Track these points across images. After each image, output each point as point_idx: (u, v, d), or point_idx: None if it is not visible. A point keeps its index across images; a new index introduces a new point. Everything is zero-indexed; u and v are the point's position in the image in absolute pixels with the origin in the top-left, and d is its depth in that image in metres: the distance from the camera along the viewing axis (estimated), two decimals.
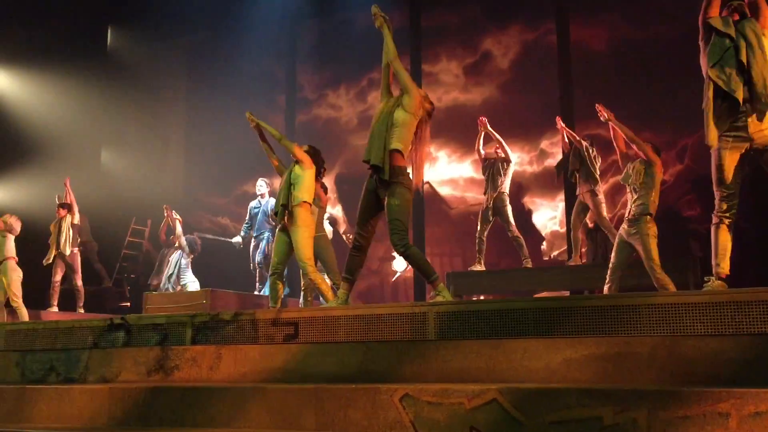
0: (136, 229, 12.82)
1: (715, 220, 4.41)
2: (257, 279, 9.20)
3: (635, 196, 6.25)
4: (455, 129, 11.46)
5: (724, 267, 4.32)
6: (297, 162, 5.86)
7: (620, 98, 9.43)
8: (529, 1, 11.30)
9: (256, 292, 9.06)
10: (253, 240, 9.32)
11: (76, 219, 9.76)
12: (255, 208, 9.30)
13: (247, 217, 9.38)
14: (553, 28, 10.95)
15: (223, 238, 10.47)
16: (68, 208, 9.70)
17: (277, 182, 6.03)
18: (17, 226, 8.81)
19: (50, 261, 9.55)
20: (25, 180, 11.90)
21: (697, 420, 2.67)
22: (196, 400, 3.76)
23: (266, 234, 9.12)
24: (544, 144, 11.09)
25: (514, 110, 10.94)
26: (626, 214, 6.36)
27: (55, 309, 9.57)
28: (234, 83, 13.36)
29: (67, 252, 9.51)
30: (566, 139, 8.34)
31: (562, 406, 2.91)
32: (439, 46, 11.95)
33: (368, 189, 4.75)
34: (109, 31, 14.32)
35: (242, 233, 9.41)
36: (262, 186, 9.29)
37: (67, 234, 9.53)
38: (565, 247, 10.65)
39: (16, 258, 8.65)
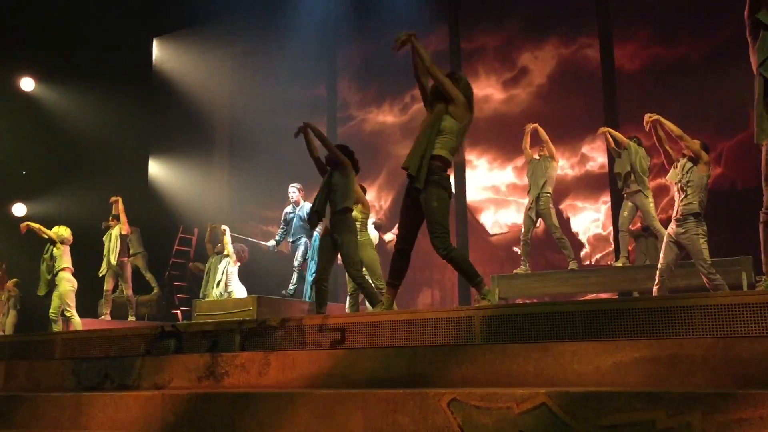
0: (184, 238, 13.06)
1: (763, 218, 4.27)
2: (292, 281, 9.24)
3: (682, 195, 6.14)
4: (497, 138, 11.52)
5: None
6: (336, 167, 5.90)
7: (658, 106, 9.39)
8: (566, 16, 11.24)
9: (283, 291, 9.12)
10: (290, 245, 9.39)
11: (125, 230, 10.00)
12: (290, 213, 9.34)
13: (282, 223, 9.43)
14: (588, 42, 10.98)
15: (257, 241, 10.55)
16: (116, 219, 9.97)
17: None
18: (69, 237, 9.07)
19: (104, 272, 9.83)
20: (77, 193, 12.22)
21: (753, 423, 2.60)
22: (246, 405, 3.81)
23: (303, 239, 9.19)
24: (585, 149, 10.99)
25: (554, 117, 10.92)
26: (674, 214, 6.26)
27: (108, 318, 9.81)
28: (277, 92, 13.54)
29: (114, 261, 9.76)
30: (612, 144, 8.24)
31: (614, 410, 2.86)
32: (478, 64, 12.03)
33: (407, 195, 4.76)
34: (154, 43, 14.65)
35: (277, 237, 9.44)
36: (294, 192, 9.31)
37: (115, 244, 9.80)
38: (608, 250, 10.55)
39: (72, 269, 8.90)
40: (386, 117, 13.16)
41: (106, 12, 12.80)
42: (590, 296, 8.43)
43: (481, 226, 11.58)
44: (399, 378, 3.92)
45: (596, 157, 10.87)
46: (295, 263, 9.23)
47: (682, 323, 3.42)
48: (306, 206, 9.08)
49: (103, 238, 10.03)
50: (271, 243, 9.52)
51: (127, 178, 13.22)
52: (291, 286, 9.20)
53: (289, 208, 9.39)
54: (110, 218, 10.09)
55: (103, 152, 12.60)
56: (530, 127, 8.67)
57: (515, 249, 8.56)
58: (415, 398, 3.31)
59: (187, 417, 3.95)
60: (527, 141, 8.70)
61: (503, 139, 11.50)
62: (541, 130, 8.54)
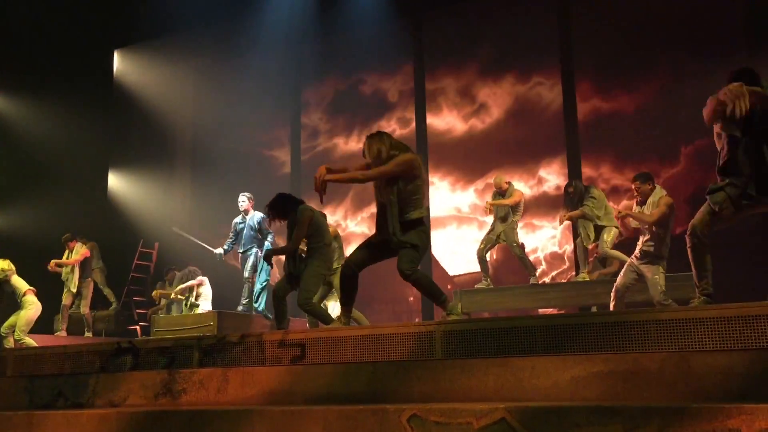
0: (144, 252, 12.86)
1: (689, 242, 4.49)
2: (243, 294, 9.11)
3: (644, 236, 6.38)
4: (462, 161, 11.89)
5: None
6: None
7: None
8: (521, 56, 11.60)
9: (239, 308, 8.98)
10: (240, 256, 9.22)
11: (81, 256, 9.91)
12: (239, 223, 9.18)
13: (231, 233, 9.27)
14: (540, 80, 11.47)
15: (205, 245, 10.42)
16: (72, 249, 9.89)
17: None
18: (10, 268, 8.77)
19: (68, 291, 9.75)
20: (36, 205, 11.96)
21: None
22: (204, 423, 3.74)
23: (254, 250, 9.03)
24: (542, 172, 11.34)
25: (512, 143, 11.39)
26: (638, 247, 6.44)
27: (64, 333, 9.61)
28: (240, 105, 13.48)
29: (74, 289, 9.73)
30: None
31: (572, 425, 2.88)
32: (441, 99, 12.36)
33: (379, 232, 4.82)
34: (115, 55, 14.47)
35: (225, 247, 9.29)
36: (243, 201, 9.15)
37: (75, 274, 9.75)
38: (564, 267, 10.78)
39: (34, 289, 8.65)
40: (351, 137, 13.21)
41: (67, 23, 12.60)
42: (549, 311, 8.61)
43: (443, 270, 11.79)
44: (359, 393, 3.90)
45: (552, 179, 11.15)
46: (245, 274, 9.08)
47: (638, 338, 3.46)
48: (256, 215, 8.96)
49: (64, 257, 9.92)
50: (219, 251, 9.36)
51: (87, 190, 12.99)
52: (243, 300, 9.03)
53: (238, 218, 9.23)
54: (66, 240, 9.98)
55: (62, 165, 12.37)
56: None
57: (477, 286, 8.77)
58: (375, 414, 3.29)
59: None
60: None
61: (468, 162, 11.85)
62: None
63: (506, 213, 8.76)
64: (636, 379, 3.37)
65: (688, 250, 4.46)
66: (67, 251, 9.97)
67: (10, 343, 8.43)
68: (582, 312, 7.62)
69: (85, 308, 9.92)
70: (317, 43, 13.32)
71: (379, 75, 12.90)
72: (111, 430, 3.95)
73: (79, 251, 9.83)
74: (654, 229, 6.32)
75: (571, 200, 8.56)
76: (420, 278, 4.71)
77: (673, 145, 10.11)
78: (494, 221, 8.87)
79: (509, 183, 8.94)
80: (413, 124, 12.25)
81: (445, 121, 12.16)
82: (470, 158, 11.79)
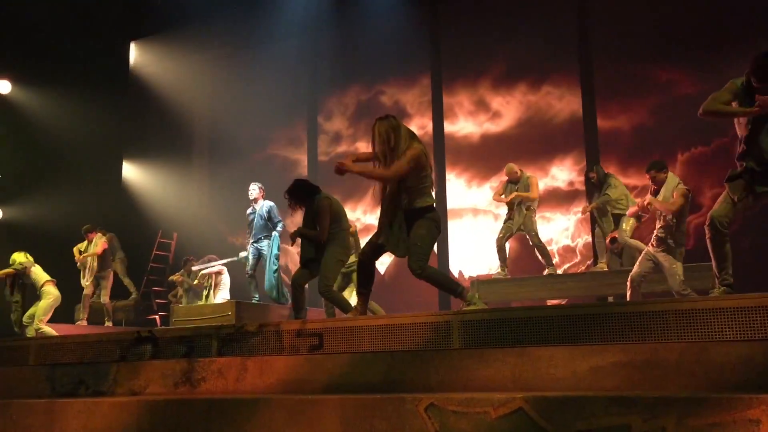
0: (163, 242, 12.97)
1: (708, 233, 4.44)
2: (254, 288, 8.99)
3: (660, 222, 6.33)
4: (478, 159, 12.00)
5: None
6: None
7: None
8: (534, 67, 11.68)
9: (254, 301, 8.88)
10: (250, 247, 8.95)
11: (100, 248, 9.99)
12: (250, 214, 8.98)
13: (247, 227, 9.06)
14: (549, 90, 11.57)
15: (229, 260, 10.41)
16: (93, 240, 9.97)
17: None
18: (28, 260, 8.98)
19: (87, 281, 9.83)
20: (53, 196, 12.08)
21: (726, 427, 2.63)
22: (223, 412, 3.78)
23: (265, 240, 8.80)
24: (553, 170, 11.40)
25: (525, 144, 11.49)
26: (654, 234, 6.38)
27: (85, 323, 9.72)
28: (257, 95, 13.51)
29: (86, 282, 9.82)
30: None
31: (589, 414, 2.88)
32: (457, 108, 12.41)
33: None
34: (131, 46, 14.54)
35: (249, 247, 9.03)
36: (254, 190, 8.95)
37: (90, 265, 9.85)
38: (576, 260, 10.78)
39: (54, 281, 8.83)
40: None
41: (84, 15, 12.68)
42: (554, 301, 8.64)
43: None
44: (377, 383, 3.92)
45: (564, 175, 11.31)
46: (250, 265, 8.87)
47: (657, 328, 3.45)
48: (266, 204, 8.82)
49: (80, 248, 10.00)
50: (243, 254, 9.26)
51: (104, 181, 13.11)
52: (273, 294, 8.94)
53: (249, 209, 9.04)
54: (87, 233, 10.04)
55: (79, 156, 12.48)
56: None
57: (494, 276, 8.81)
58: (392, 403, 3.30)
59: (163, 423, 3.90)
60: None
61: (483, 161, 11.98)
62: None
63: (522, 200, 8.71)
64: (654, 370, 3.36)
65: (708, 241, 4.42)
66: (86, 242, 10.06)
67: (31, 332, 8.55)
68: (600, 302, 7.58)
69: (105, 298, 10.02)
70: (333, 35, 13.32)
71: (396, 73, 12.90)
72: (132, 418, 4.00)
73: (98, 243, 9.92)
74: (668, 216, 6.26)
75: (593, 186, 8.53)
76: (432, 275, 4.68)
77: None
78: (511, 210, 8.80)
79: (521, 171, 8.86)
80: (430, 127, 12.26)
81: (460, 126, 12.25)
82: (485, 157, 11.86)
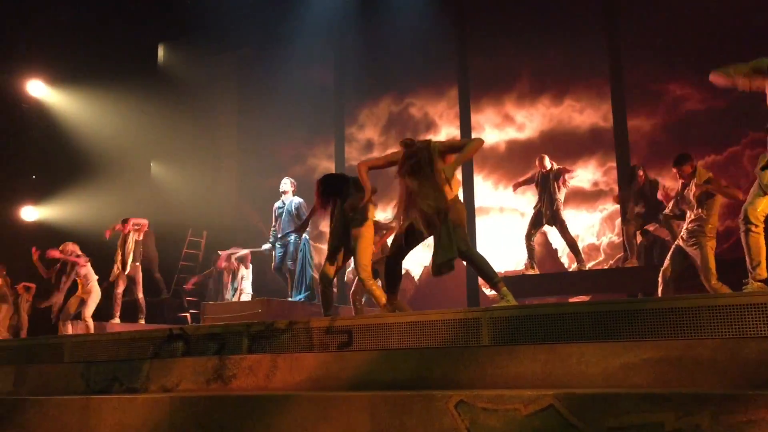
0: (193, 241, 13.10)
1: (742, 227, 4.36)
2: (289, 286, 8.95)
3: (692, 213, 6.21)
4: (506, 162, 12.16)
5: None
6: None
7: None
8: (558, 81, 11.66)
9: (290, 299, 8.86)
10: (278, 243, 8.92)
11: (140, 236, 10.06)
12: (279, 208, 8.93)
13: (273, 222, 9.02)
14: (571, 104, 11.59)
15: (252, 250, 10.47)
16: (134, 225, 10.05)
17: None
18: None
19: (116, 276, 9.89)
20: (85, 196, 12.28)
21: (762, 424, 2.58)
22: (254, 408, 3.81)
23: (292, 237, 8.75)
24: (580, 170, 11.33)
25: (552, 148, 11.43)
26: (685, 226, 6.29)
27: (117, 320, 9.84)
28: (284, 94, 13.57)
29: (128, 269, 9.85)
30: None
31: (622, 412, 2.85)
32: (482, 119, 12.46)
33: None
34: (160, 48, 14.71)
35: (271, 239, 9.06)
36: (286, 184, 8.92)
37: (131, 248, 9.88)
38: (600, 259, 10.72)
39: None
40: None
41: (113, 17, 12.86)
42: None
43: None
44: (406, 380, 3.92)
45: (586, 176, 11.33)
46: (288, 262, 8.82)
47: (690, 324, 3.40)
48: (295, 200, 8.79)
49: (118, 242, 10.08)
50: (266, 246, 9.24)
51: (135, 181, 13.28)
52: (296, 293, 8.82)
53: (278, 203, 8.99)
54: (123, 221, 10.11)
55: (110, 156, 12.65)
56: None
57: (523, 273, 8.79)
58: (422, 400, 3.30)
59: (195, 420, 3.95)
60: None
61: (509, 164, 12.14)
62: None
63: (552, 191, 8.60)
64: (688, 366, 3.31)
65: (741, 235, 4.36)
66: (122, 234, 10.10)
67: (68, 329, 8.71)
68: (632, 298, 7.50)
69: (139, 293, 10.10)
70: (359, 37, 13.33)
71: (424, 81, 12.92)
72: (164, 415, 4.05)
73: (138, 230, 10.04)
74: (699, 210, 6.16)
75: (635, 186, 8.37)
76: (476, 256, 4.74)
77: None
78: (539, 203, 8.68)
79: (553, 164, 8.83)
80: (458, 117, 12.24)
81: (486, 136, 12.26)
82: (512, 161, 12.01)
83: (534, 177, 8.94)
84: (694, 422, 2.69)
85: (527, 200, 10.71)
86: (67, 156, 12.48)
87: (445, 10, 12.37)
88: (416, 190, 4.68)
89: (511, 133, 12.20)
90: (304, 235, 8.66)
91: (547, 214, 8.58)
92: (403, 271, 5.22)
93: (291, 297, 8.94)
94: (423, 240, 4.92)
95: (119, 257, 9.91)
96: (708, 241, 6.18)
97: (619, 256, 10.06)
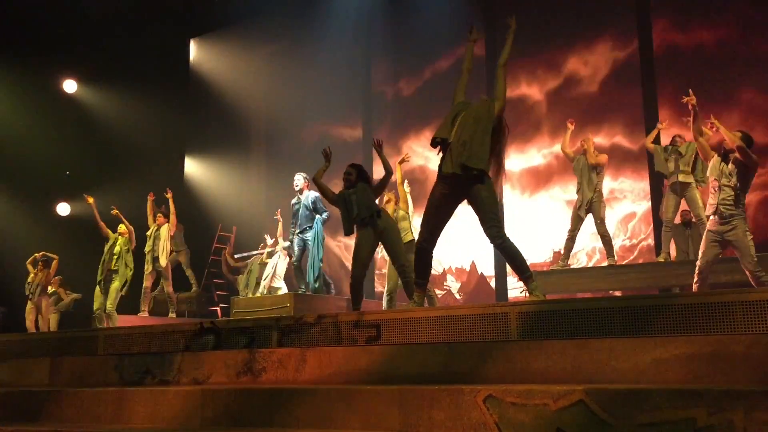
0: (222, 236, 13.23)
1: None
2: (296, 277, 8.93)
3: (721, 193, 5.97)
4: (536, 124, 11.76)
5: None
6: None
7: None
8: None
9: (300, 291, 8.83)
10: (296, 238, 8.90)
11: (173, 230, 10.17)
12: (295, 204, 8.97)
13: (292, 218, 9.05)
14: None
15: (271, 249, 10.51)
16: (165, 216, 10.15)
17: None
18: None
19: (149, 270, 10.03)
20: (117, 192, 12.44)
21: None
22: (283, 401, 3.85)
23: (311, 232, 8.74)
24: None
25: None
26: (712, 210, 6.07)
27: (146, 314, 9.97)
28: (312, 90, 13.64)
29: (163, 264, 9.95)
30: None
31: (653, 407, 2.82)
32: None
33: (444, 194, 4.73)
34: (191, 44, 14.85)
35: (291, 237, 9.06)
36: (299, 181, 8.97)
37: (164, 244, 9.98)
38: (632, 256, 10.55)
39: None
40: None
41: (145, 14, 13.01)
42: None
43: None
44: (435, 374, 3.92)
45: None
46: (301, 258, 8.82)
47: (723, 319, 3.35)
48: (311, 195, 8.79)
49: (147, 234, 10.19)
50: (286, 244, 9.32)
51: (166, 176, 13.43)
52: (314, 284, 8.75)
53: (294, 199, 9.05)
54: (158, 215, 10.23)
55: (141, 152, 12.83)
56: (570, 128, 8.59)
57: (552, 267, 8.63)
58: (451, 394, 3.31)
59: (226, 412, 4.00)
60: (567, 140, 8.61)
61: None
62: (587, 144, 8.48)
63: (591, 178, 8.33)
64: (721, 362, 3.27)
65: None
66: (154, 226, 10.20)
67: (102, 322, 8.86)
68: (663, 293, 7.40)
69: (168, 287, 10.23)
70: (387, 29, 13.34)
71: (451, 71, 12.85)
72: (196, 407, 4.11)
73: (172, 221, 10.18)
74: (733, 182, 5.88)
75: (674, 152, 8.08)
76: (511, 246, 4.60)
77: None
78: (579, 192, 8.50)
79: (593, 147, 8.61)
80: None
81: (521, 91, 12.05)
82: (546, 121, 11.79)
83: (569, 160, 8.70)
84: (727, 418, 2.66)
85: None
86: (100, 152, 12.68)
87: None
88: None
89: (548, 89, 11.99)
90: (318, 217, 8.69)
91: (588, 196, 8.30)
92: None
93: (301, 287, 8.95)
94: (450, 218, 4.82)
95: (150, 252, 10.03)
96: (745, 224, 5.88)
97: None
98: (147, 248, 10.06)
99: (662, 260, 8.05)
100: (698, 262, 6.24)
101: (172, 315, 10.28)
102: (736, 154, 5.88)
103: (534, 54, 11.87)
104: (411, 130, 13.18)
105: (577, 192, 8.43)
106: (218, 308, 12.06)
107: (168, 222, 10.11)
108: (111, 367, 5.36)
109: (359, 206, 6.00)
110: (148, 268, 10.01)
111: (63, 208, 12.94)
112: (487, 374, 3.79)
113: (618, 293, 8.49)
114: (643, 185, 10.75)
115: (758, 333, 3.26)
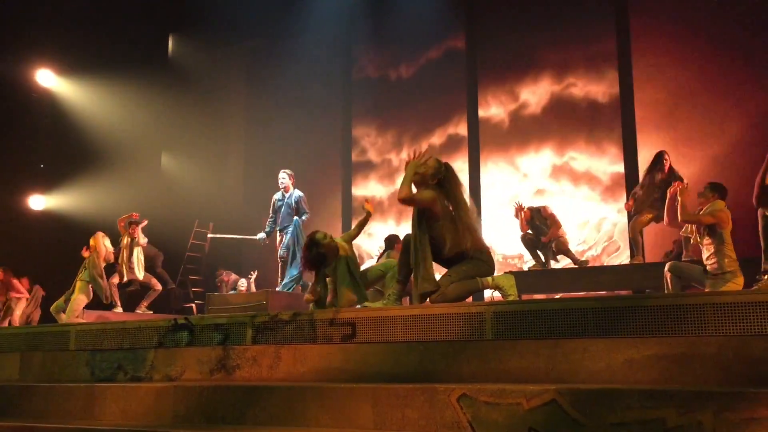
0: (199, 232, 13.15)
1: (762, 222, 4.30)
2: (279, 274, 9.03)
3: (705, 252, 6.02)
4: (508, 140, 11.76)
5: None
6: None
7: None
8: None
9: (278, 288, 8.89)
10: (277, 234, 9.06)
11: (144, 240, 10.05)
12: (278, 201, 9.02)
13: (270, 211, 9.13)
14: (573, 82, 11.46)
15: (245, 237, 10.51)
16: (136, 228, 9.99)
17: None
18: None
19: (124, 281, 9.87)
20: (93, 186, 12.31)
21: (764, 422, 2.58)
22: (257, 398, 3.83)
23: (290, 228, 8.83)
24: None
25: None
26: (704, 261, 6.10)
27: (120, 309, 9.84)
28: (291, 86, 13.59)
29: (141, 277, 9.87)
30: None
31: (624, 408, 2.85)
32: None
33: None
34: (170, 39, 14.72)
35: (267, 229, 9.17)
36: (284, 179, 8.98)
37: (138, 258, 9.87)
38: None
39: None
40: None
41: (123, 7, 12.87)
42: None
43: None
44: (409, 373, 3.93)
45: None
46: (280, 252, 8.93)
47: (695, 321, 3.39)
48: (295, 193, 8.84)
49: (120, 245, 10.02)
50: (261, 235, 9.29)
51: (142, 171, 13.31)
52: (282, 282, 8.81)
53: (278, 195, 9.07)
54: (131, 225, 10.05)
55: (118, 146, 12.68)
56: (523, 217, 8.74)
57: (528, 268, 8.74)
58: (424, 393, 3.31)
59: (199, 409, 3.98)
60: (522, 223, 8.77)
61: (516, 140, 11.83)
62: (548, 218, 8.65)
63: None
64: (691, 363, 3.31)
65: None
66: (127, 235, 10.06)
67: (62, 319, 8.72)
68: (636, 294, 7.48)
69: (114, 279, 10.02)
70: (367, 25, 13.34)
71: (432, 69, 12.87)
72: (168, 403, 4.08)
73: (143, 236, 10.04)
74: (710, 241, 5.96)
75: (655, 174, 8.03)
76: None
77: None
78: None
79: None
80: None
81: (491, 114, 12.13)
82: (518, 137, 11.84)
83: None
84: (697, 419, 2.70)
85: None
86: (75, 146, 12.51)
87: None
88: None
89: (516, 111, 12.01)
90: (296, 219, 8.70)
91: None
92: None
93: (280, 284, 8.95)
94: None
95: (123, 264, 9.85)
96: (732, 278, 5.82)
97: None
98: (120, 260, 9.90)
99: (638, 262, 8.15)
100: (669, 263, 6.37)
101: (140, 310, 10.14)
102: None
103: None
104: (390, 127, 13.17)
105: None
106: (194, 305, 11.97)
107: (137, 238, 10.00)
108: (82, 363, 5.30)
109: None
110: (123, 279, 9.87)
111: (37, 201, 12.74)
112: (461, 373, 3.81)
113: (593, 294, 8.57)
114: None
115: (728, 335, 3.31)
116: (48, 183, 12.63)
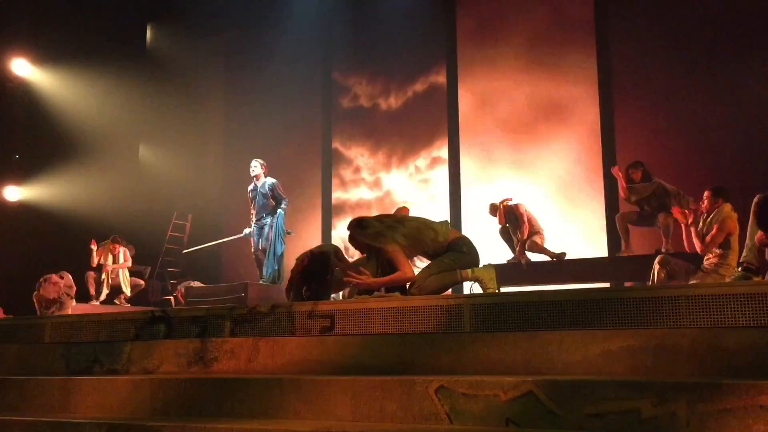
0: (177, 224, 13.06)
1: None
2: (260, 269, 8.93)
3: (710, 255, 6.09)
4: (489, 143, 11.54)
5: None
6: None
7: None
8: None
9: (261, 281, 8.80)
10: (254, 225, 8.91)
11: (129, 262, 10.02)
12: (252, 191, 8.92)
13: (251, 206, 9.03)
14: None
15: (232, 237, 10.45)
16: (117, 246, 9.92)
17: None
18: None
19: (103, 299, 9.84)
20: (69, 177, 12.16)
21: (737, 413, 2.62)
22: (235, 391, 3.81)
23: (268, 219, 8.70)
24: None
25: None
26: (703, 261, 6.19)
27: (96, 303, 9.78)
28: (272, 77, 13.50)
29: (129, 293, 9.87)
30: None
31: (600, 399, 2.88)
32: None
33: None
34: (148, 29, 14.55)
35: (252, 223, 9.04)
36: (255, 167, 8.85)
37: (125, 277, 9.86)
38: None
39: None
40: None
41: None
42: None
43: None
44: (387, 365, 3.93)
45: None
46: (262, 244, 8.74)
47: (670, 313, 3.43)
48: (268, 181, 8.71)
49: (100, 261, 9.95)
50: (247, 231, 9.22)
51: (120, 162, 13.18)
52: (263, 278, 8.71)
53: (251, 186, 8.97)
54: (113, 244, 9.98)
55: (95, 136, 12.53)
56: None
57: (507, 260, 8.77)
58: (403, 385, 3.32)
59: (176, 402, 3.95)
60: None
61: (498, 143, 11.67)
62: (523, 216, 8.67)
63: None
64: (666, 355, 3.35)
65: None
66: (109, 252, 9.99)
67: None
68: (612, 287, 7.55)
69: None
70: (347, 16, 13.30)
71: (410, 64, 12.84)
72: (145, 396, 4.05)
73: (126, 256, 10.01)
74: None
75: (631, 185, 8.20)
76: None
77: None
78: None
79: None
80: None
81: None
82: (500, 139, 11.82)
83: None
84: (671, 410, 2.73)
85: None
86: (51, 136, 12.34)
87: None
88: None
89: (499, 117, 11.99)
90: (279, 211, 8.63)
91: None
92: None
93: (262, 277, 8.89)
94: None
95: (105, 283, 9.82)
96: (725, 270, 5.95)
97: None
98: (102, 277, 9.85)
99: (626, 255, 8.21)
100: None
101: (118, 302, 10.09)
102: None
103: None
104: (369, 121, 13.15)
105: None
106: (172, 297, 11.89)
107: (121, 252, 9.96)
108: (58, 356, 5.24)
109: None
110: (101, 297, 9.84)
111: (11, 192, 12.57)
112: (439, 365, 3.82)
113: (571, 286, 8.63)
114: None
115: (702, 327, 3.35)
116: (23, 174, 12.45)
